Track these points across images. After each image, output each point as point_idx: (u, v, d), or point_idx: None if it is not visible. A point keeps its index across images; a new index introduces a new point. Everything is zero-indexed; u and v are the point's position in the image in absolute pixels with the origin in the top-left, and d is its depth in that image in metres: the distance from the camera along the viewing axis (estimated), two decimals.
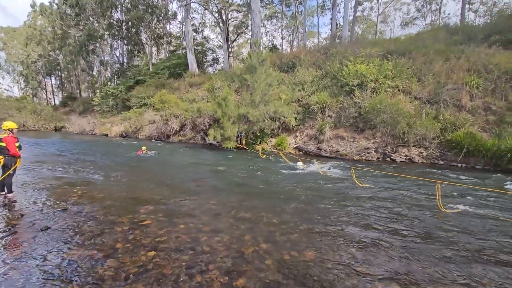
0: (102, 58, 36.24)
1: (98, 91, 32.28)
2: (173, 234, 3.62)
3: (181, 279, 2.66)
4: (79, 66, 38.49)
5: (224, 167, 9.02)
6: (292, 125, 13.83)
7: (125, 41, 32.99)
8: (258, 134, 13.89)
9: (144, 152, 11.10)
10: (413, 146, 10.92)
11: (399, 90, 12.81)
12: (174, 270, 2.81)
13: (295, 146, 13.40)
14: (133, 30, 31.55)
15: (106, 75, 37.64)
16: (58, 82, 46.81)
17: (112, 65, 35.89)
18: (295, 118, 13.85)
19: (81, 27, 31.65)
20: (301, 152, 12.78)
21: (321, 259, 3.09)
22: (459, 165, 9.70)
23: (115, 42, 34.48)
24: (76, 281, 2.59)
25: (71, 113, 32.36)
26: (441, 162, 10.12)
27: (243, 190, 6.19)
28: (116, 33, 31.14)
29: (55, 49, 38.76)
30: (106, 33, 31.69)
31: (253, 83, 13.68)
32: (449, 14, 30.95)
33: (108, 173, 7.34)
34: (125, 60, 35.30)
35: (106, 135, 22.32)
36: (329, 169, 8.75)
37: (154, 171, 8.15)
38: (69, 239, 3.42)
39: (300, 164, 8.91)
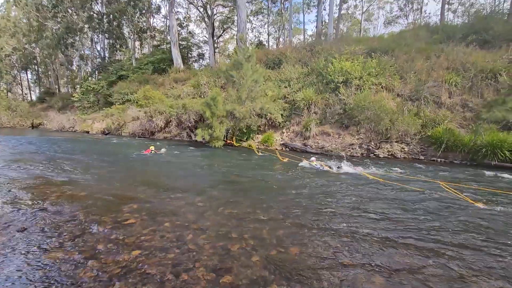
0: (82, 52, 34.87)
1: (78, 86, 31.08)
2: (158, 233, 3.55)
3: (167, 277, 2.62)
4: (57, 60, 36.90)
5: (211, 164, 8.95)
6: (278, 122, 13.87)
7: (106, 34, 31.76)
8: (245, 131, 13.86)
9: (153, 152, 10.11)
10: (396, 142, 11.24)
11: (382, 87, 13.13)
12: (159, 269, 2.75)
13: (281, 142, 13.47)
14: (115, 23, 30.42)
15: (87, 70, 36.29)
16: (35, 77, 44.65)
17: (92, 60, 34.63)
18: (282, 114, 13.89)
19: (59, 19, 30.15)
20: (287, 149, 12.87)
21: (307, 255, 3.12)
22: (439, 160, 10.08)
23: (95, 36, 33.18)
24: (55, 284, 2.49)
25: (49, 110, 30.96)
26: (422, 157, 10.48)
27: (230, 187, 6.16)
28: (97, 26, 29.90)
29: (31, 42, 36.80)
30: (86, 26, 30.39)
31: (239, 79, 13.59)
32: (429, 13, 32.11)
33: (89, 172, 7.10)
34: (107, 55, 34.11)
35: (87, 132, 21.57)
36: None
37: (139, 169, 7.96)
38: (48, 241, 3.28)
39: (313, 159, 8.74)
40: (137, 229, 3.64)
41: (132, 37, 31.59)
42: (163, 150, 10.68)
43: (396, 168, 8.30)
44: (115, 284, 2.50)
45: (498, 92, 11.15)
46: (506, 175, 7.55)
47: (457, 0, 28.21)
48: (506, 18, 16.85)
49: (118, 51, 33.42)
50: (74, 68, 38.64)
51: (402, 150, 11.00)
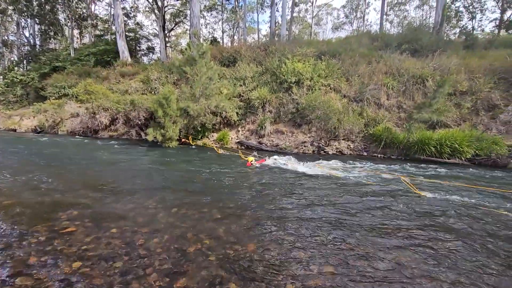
0: (5, 37, 30.04)
1: (1, 77, 26.71)
2: (103, 240, 3.24)
3: None
4: None
5: (164, 164, 8.51)
6: (234, 120, 13.82)
7: (36, 19, 27.81)
8: (200, 129, 13.51)
9: (253, 164, 8.78)
10: (343, 139, 12.11)
11: (330, 89, 14.02)
12: (105, 279, 2.52)
13: (237, 140, 13.46)
14: (47, 7, 26.82)
15: (12, 59, 31.41)
16: None
17: (19, 47, 30.08)
18: (237, 113, 13.89)
19: None
20: (243, 147, 12.92)
21: (263, 250, 3.17)
22: (379, 155, 11.16)
23: (23, 20, 28.85)
24: None
25: None
26: (365, 154, 11.48)
27: (185, 187, 5.92)
28: (24, 9, 26.00)
29: None
30: (11, 7, 26.24)
31: (193, 76, 13.16)
32: (371, 22, 35.37)
33: (16, 177, 6.16)
34: (38, 42, 29.94)
35: (14, 130, 18.71)
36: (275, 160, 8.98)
37: (78, 172, 7.17)
38: None
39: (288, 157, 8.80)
40: (78, 238, 3.28)
41: (69, 24, 28.22)
42: (263, 158, 9.50)
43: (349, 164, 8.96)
44: None
45: (426, 95, 12.78)
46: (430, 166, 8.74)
47: (393, 12, 31.56)
48: (431, 31, 19.41)
49: (52, 39, 29.55)
50: None
51: (348, 147, 11.90)
